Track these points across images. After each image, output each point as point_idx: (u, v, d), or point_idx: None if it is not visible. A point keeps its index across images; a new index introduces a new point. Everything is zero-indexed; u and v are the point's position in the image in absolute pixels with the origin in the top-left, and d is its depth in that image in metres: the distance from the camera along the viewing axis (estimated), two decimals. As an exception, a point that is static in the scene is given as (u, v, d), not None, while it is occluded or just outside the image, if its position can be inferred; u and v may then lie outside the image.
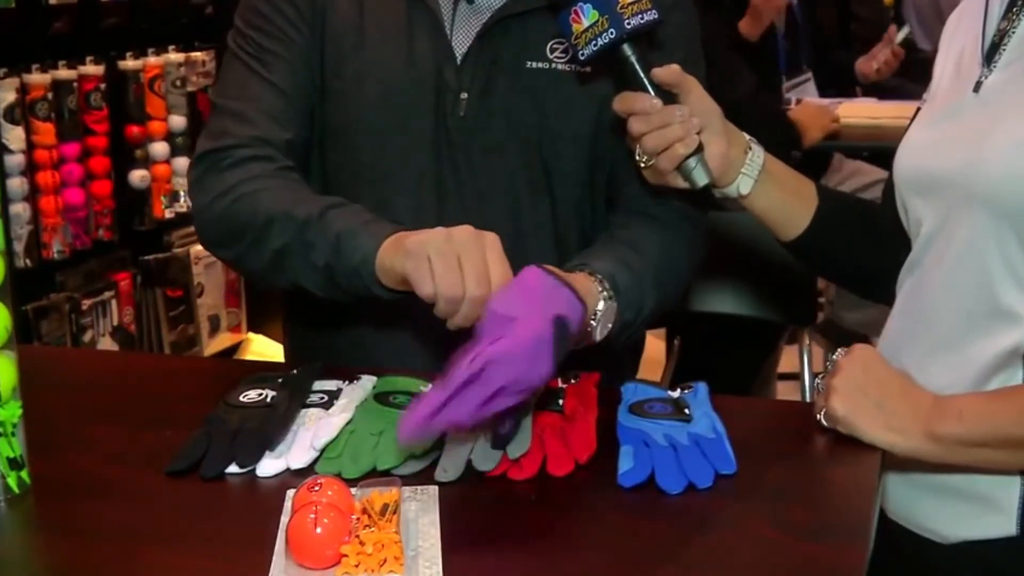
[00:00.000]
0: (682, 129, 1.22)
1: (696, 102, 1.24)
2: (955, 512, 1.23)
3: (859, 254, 1.40)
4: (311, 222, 1.27)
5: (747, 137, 1.32)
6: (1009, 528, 1.19)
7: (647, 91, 1.22)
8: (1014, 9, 1.23)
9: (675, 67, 1.24)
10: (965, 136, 1.21)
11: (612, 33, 1.20)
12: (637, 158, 1.26)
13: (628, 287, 1.28)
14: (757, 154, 1.31)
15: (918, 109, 1.37)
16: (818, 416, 1.18)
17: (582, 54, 1.22)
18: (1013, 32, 1.22)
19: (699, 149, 1.23)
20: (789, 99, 3.51)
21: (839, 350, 1.20)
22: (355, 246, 1.23)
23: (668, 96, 1.23)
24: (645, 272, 1.32)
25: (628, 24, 1.20)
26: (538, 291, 1.09)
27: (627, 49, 1.22)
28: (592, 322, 1.23)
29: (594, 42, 1.21)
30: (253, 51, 1.41)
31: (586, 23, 1.21)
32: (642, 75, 1.23)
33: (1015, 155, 1.15)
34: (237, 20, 1.44)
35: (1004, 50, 1.22)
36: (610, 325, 1.26)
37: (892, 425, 1.13)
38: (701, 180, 1.24)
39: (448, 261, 1.11)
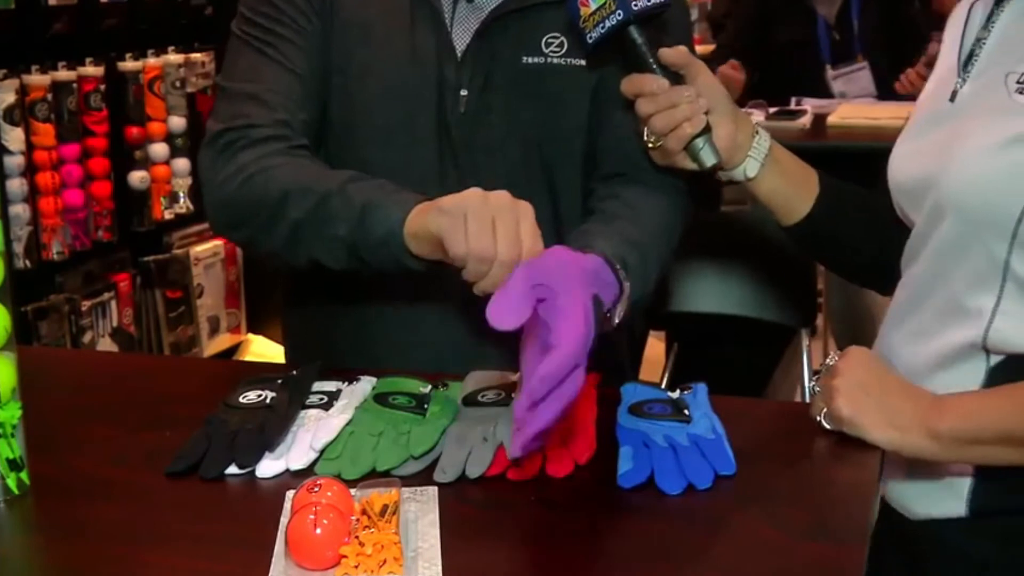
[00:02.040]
0: (690, 109, 1.23)
1: (704, 84, 1.26)
2: (917, 490, 1.25)
3: (858, 244, 1.41)
4: (331, 195, 1.25)
5: (754, 121, 1.33)
6: (959, 510, 1.20)
7: (654, 73, 1.23)
8: (992, 19, 1.24)
9: (683, 48, 1.25)
10: (940, 144, 1.23)
11: (619, 15, 1.21)
12: (644, 139, 1.28)
13: (636, 265, 1.26)
14: (763, 138, 1.33)
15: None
16: (818, 417, 1.18)
17: (590, 37, 1.23)
18: (986, 42, 1.23)
19: (707, 129, 1.25)
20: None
21: (833, 353, 1.21)
22: (382, 217, 1.21)
23: (675, 78, 1.25)
24: (647, 246, 1.31)
25: (635, 6, 1.21)
26: (573, 264, 1.08)
27: (634, 31, 1.23)
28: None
29: (601, 25, 1.22)
30: (264, 36, 1.38)
31: (594, 6, 1.22)
32: (649, 57, 1.24)
33: (976, 163, 1.16)
34: (243, 8, 1.41)
35: (976, 59, 1.24)
36: (623, 309, 1.24)
37: (895, 423, 1.13)
38: (709, 160, 1.25)
39: (483, 222, 1.11)
